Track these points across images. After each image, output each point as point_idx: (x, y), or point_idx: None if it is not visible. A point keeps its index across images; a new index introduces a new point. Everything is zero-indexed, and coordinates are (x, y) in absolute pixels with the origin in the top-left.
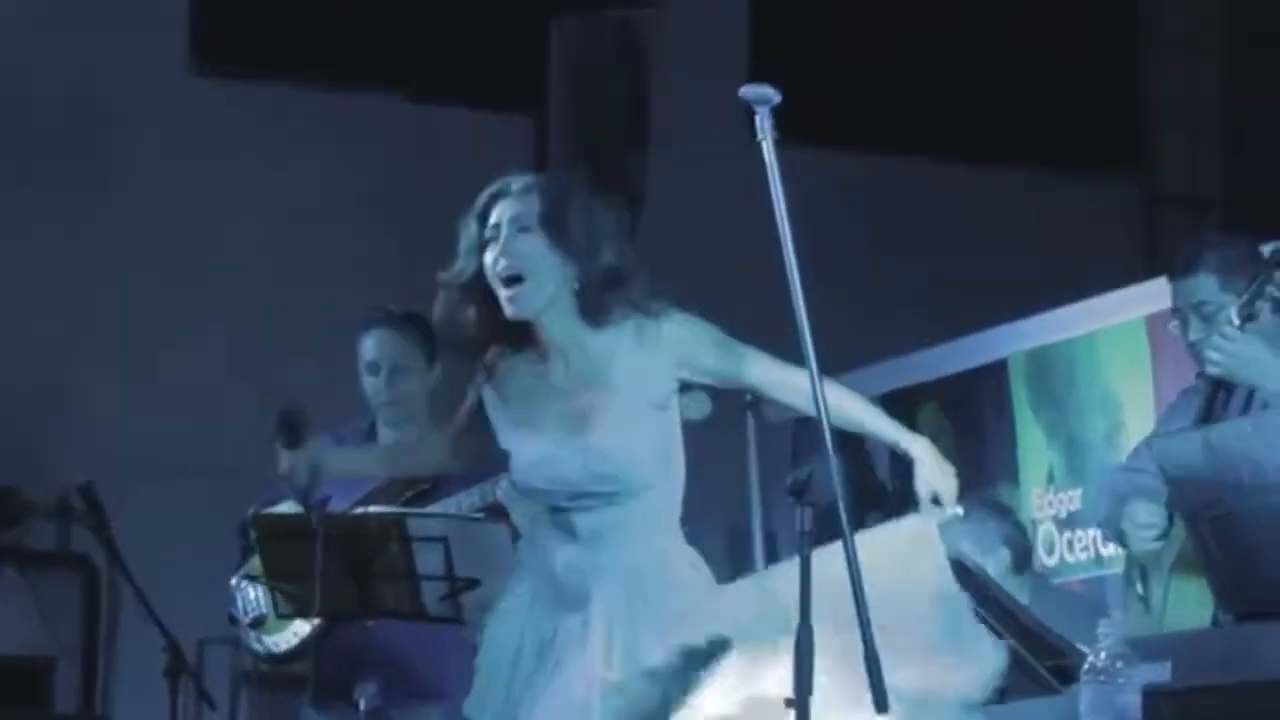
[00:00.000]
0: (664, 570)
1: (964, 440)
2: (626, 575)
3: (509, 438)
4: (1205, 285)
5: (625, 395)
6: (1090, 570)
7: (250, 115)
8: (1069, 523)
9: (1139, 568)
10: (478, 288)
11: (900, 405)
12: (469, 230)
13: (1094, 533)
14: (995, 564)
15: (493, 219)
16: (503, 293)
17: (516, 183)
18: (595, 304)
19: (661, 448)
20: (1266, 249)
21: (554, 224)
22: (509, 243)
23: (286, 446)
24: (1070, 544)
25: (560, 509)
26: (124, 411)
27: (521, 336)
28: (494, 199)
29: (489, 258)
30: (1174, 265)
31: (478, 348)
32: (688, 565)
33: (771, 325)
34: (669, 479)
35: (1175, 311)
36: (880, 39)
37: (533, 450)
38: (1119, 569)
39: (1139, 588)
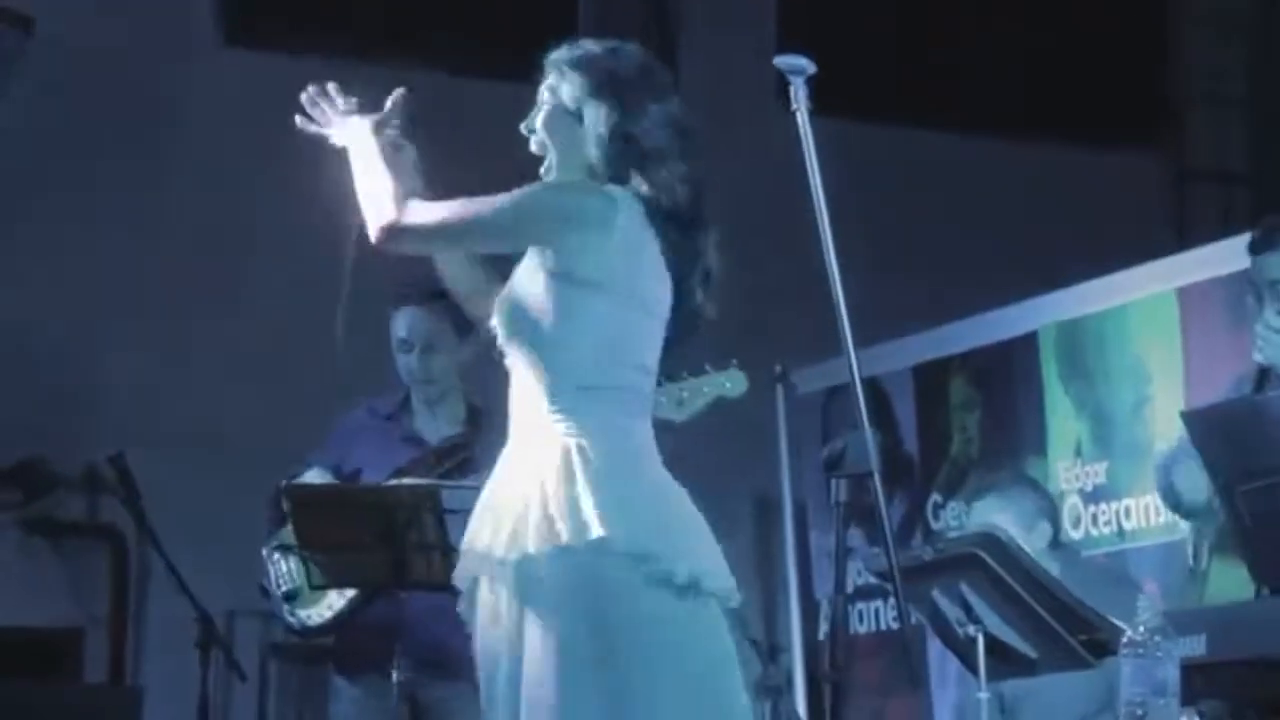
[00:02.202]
0: None
1: (993, 412)
2: None
3: None
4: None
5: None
6: (1114, 544)
7: (283, 88)
8: (1094, 496)
9: (1194, 541)
10: None
11: (931, 377)
12: None
13: (1117, 506)
14: (1037, 539)
15: None
16: None
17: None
18: None
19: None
20: None
21: None
22: None
23: None
24: (1095, 517)
25: None
26: (154, 382)
27: None
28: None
29: None
30: (1252, 240)
31: None
32: None
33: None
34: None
35: (1250, 285)
36: (909, 10)
37: None
38: (1143, 542)
39: (1190, 560)
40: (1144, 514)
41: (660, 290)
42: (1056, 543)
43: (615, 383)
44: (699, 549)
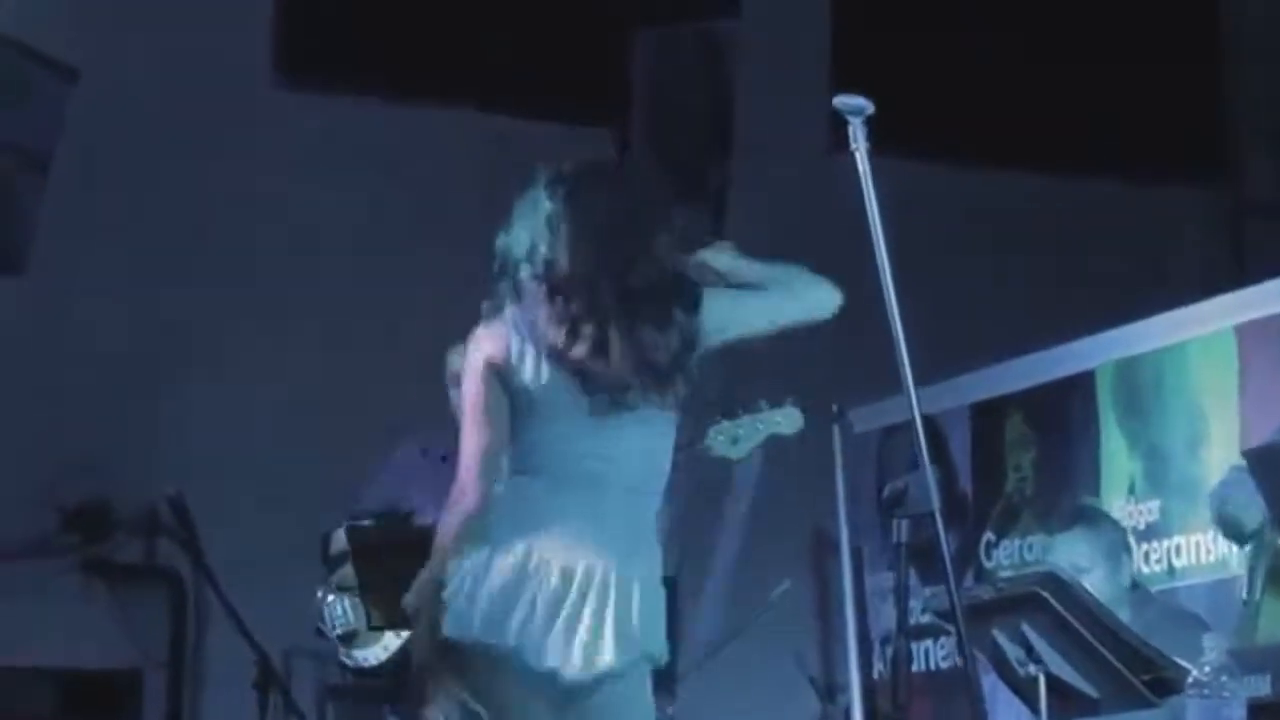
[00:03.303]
0: None
1: (1048, 450)
2: None
3: None
4: None
5: None
6: (1164, 582)
7: (333, 128)
8: (1146, 534)
9: (1248, 568)
10: None
11: (988, 415)
12: None
13: (1169, 544)
14: (1124, 575)
15: None
16: None
17: None
18: None
19: None
20: None
21: None
22: None
23: None
24: (1147, 555)
25: None
26: (212, 423)
27: None
28: None
29: None
30: None
31: None
32: None
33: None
34: None
35: None
36: (963, 49)
37: None
38: (1193, 580)
39: (1244, 592)
40: (1194, 552)
41: None
42: (1135, 583)
43: None
44: None
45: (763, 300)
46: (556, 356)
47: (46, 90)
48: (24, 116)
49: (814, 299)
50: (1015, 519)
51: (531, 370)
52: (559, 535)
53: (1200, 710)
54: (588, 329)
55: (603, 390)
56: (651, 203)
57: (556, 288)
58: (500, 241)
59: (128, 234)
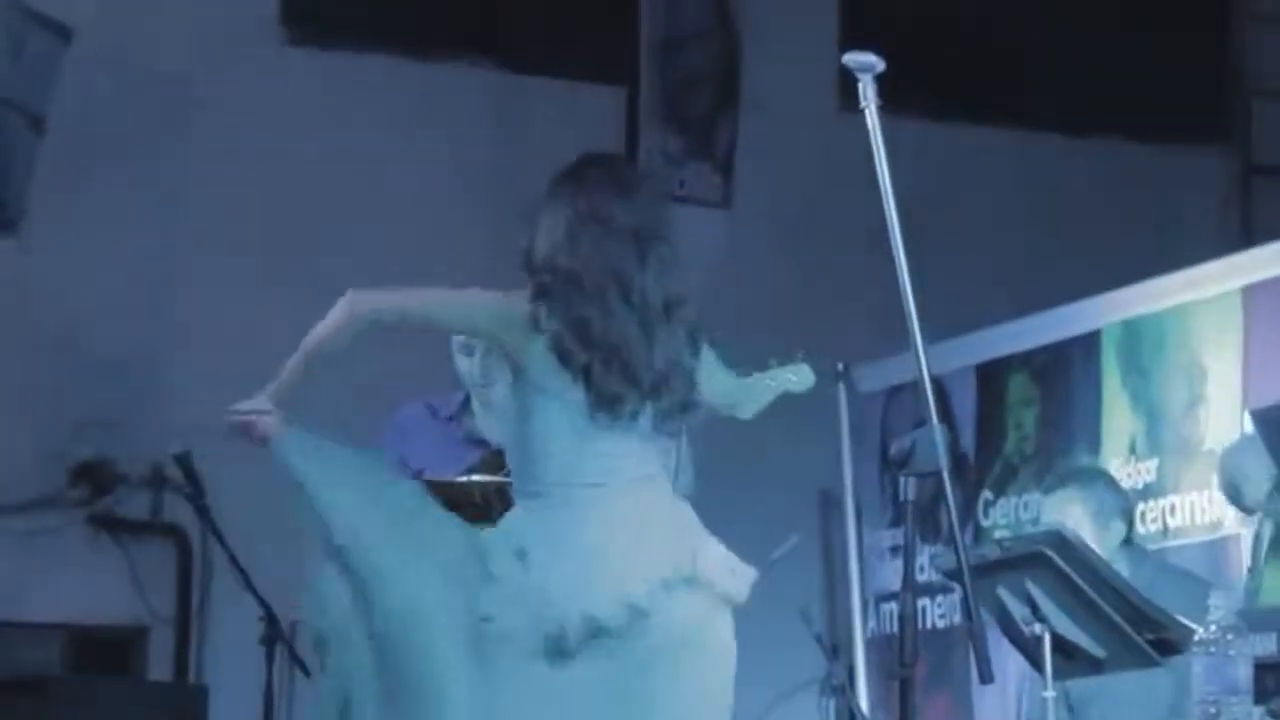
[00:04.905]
0: None
1: (1050, 409)
2: None
3: None
4: None
5: None
6: (1158, 541)
7: (341, 85)
8: (1143, 493)
9: (1254, 540)
10: None
11: (992, 375)
12: None
13: (1164, 503)
14: (1112, 536)
15: None
16: None
17: None
18: None
19: None
20: None
21: None
22: None
23: None
24: (1143, 515)
25: None
26: (220, 380)
27: None
28: None
29: None
30: None
31: None
32: None
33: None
34: None
35: None
36: (972, 8)
37: None
38: (1186, 540)
39: (1249, 557)
40: (1189, 512)
41: None
42: (1129, 541)
43: None
44: None
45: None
46: (565, 357)
47: (41, 48)
48: (18, 74)
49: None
50: (1013, 478)
51: (540, 362)
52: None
53: (1206, 668)
54: (598, 330)
55: (606, 395)
56: (660, 211)
57: (565, 287)
58: (523, 242)
59: (138, 191)
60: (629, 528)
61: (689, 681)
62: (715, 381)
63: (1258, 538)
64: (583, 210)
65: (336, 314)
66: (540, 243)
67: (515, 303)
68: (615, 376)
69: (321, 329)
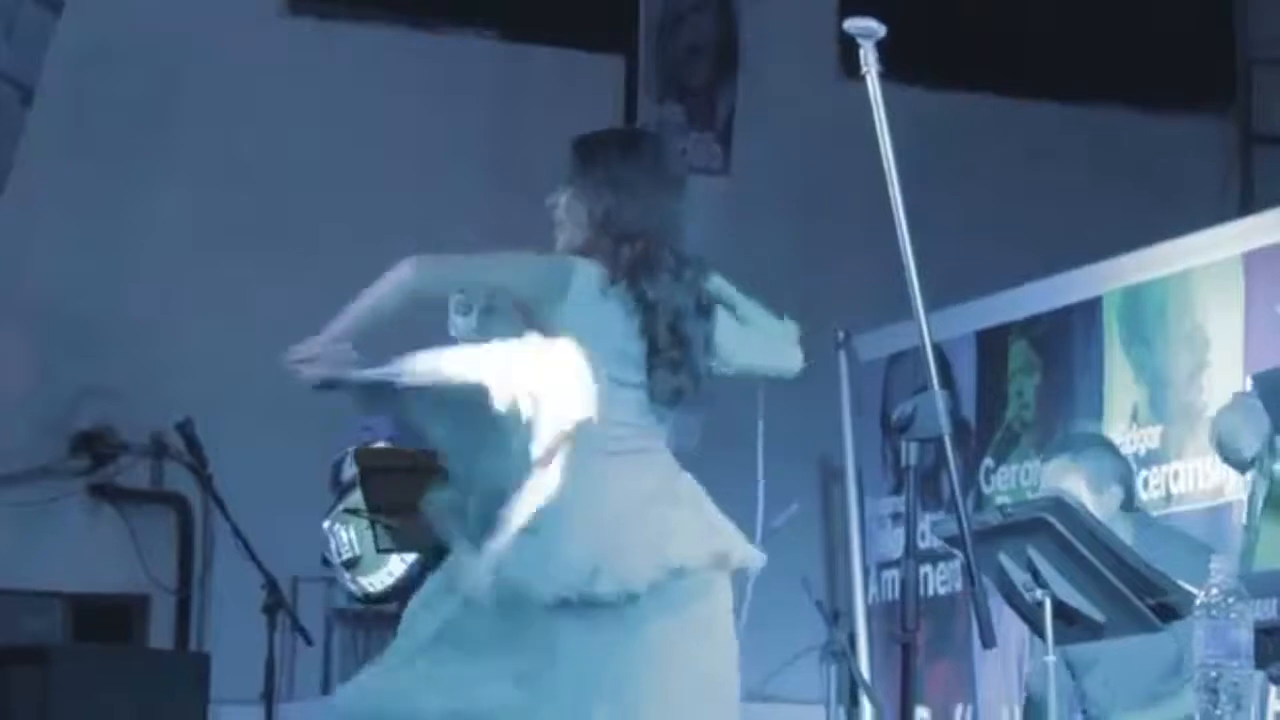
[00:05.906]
0: None
1: (1051, 377)
2: None
3: None
4: None
5: None
6: (1161, 508)
7: (342, 54)
8: (1146, 460)
9: (1249, 498)
10: None
11: (993, 342)
12: None
13: (1167, 469)
14: (1108, 501)
15: None
16: None
17: None
18: None
19: None
20: None
21: None
22: None
23: None
24: (1146, 481)
25: None
26: (221, 350)
27: None
28: None
29: None
30: None
31: None
32: None
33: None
34: None
35: None
36: None
37: None
38: (1188, 506)
39: (1245, 517)
40: (1191, 478)
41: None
42: (1129, 506)
43: None
44: None
45: (747, 342)
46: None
47: (32, 21)
48: (10, 48)
49: (787, 358)
50: (1014, 445)
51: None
52: None
53: (1206, 632)
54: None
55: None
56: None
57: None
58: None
59: (137, 161)
60: (637, 499)
61: (700, 656)
62: (730, 337)
63: (1252, 496)
64: (661, 179)
65: (399, 274)
66: (626, 209)
67: (565, 262)
68: (685, 375)
69: (380, 287)
